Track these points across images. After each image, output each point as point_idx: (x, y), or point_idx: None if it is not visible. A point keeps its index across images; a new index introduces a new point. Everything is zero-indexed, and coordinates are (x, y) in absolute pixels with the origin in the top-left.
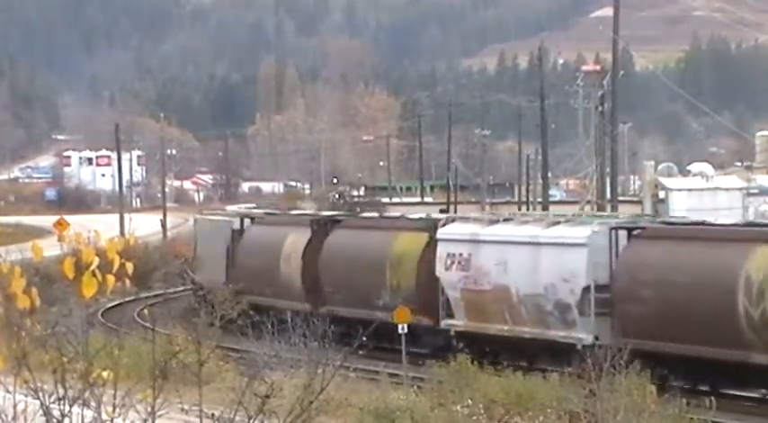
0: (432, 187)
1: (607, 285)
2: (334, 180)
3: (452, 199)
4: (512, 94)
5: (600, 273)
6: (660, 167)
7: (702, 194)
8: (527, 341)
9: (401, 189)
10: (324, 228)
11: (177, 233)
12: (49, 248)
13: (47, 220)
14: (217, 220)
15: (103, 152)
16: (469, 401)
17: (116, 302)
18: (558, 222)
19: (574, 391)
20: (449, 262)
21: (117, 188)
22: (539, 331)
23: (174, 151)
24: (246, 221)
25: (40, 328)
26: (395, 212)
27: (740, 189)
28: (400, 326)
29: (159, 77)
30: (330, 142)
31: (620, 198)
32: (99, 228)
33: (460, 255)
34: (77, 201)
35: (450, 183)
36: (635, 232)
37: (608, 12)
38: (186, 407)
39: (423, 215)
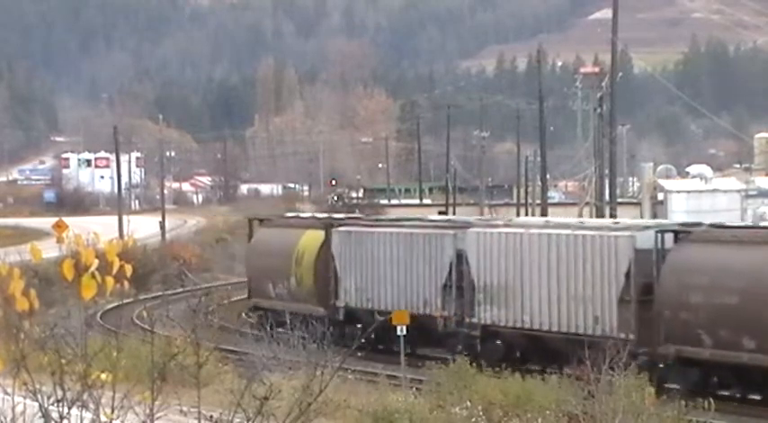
0: (430, 189)
1: None
2: (333, 182)
3: (451, 201)
4: (510, 96)
5: None
6: (659, 169)
7: (701, 196)
8: None
9: (400, 191)
10: None
11: (176, 235)
12: (48, 250)
13: (45, 222)
14: (583, 234)
15: (102, 154)
16: (468, 403)
17: (115, 304)
18: None
19: (572, 393)
20: None
21: (116, 190)
22: None
23: (172, 153)
24: (667, 237)
25: (38, 329)
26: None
27: (739, 191)
28: (399, 328)
29: (158, 79)
30: (329, 144)
31: (619, 200)
32: (97, 230)
33: None
34: (76, 203)
35: (449, 185)
36: None
37: (606, 14)
38: (185, 409)
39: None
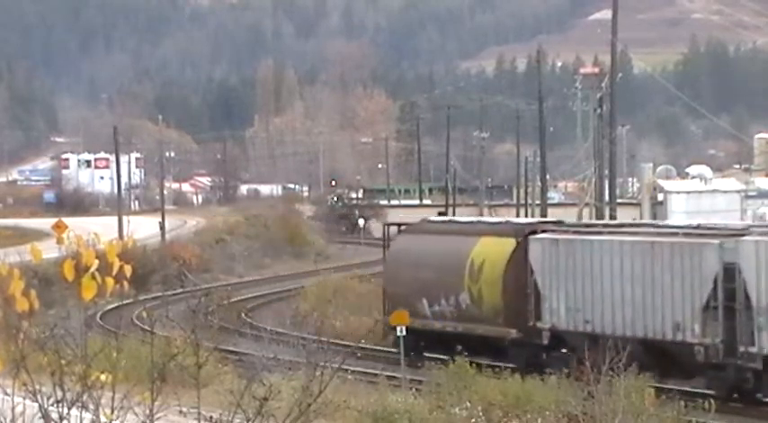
0: (430, 190)
1: None
2: (333, 182)
3: (451, 201)
4: (510, 97)
5: None
6: (659, 170)
7: (701, 197)
8: None
9: (399, 191)
10: None
11: (176, 235)
12: (48, 251)
13: (45, 223)
14: None
15: (102, 154)
16: (468, 404)
17: (114, 305)
18: None
19: (572, 394)
20: None
21: (115, 190)
22: None
23: (172, 154)
24: None
25: (38, 330)
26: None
27: (738, 191)
28: (398, 328)
29: (157, 80)
30: (328, 145)
31: (619, 200)
32: (97, 230)
33: None
34: (76, 203)
35: (449, 185)
36: None
37: (606, 14)
38: (184, 409)
39: None
